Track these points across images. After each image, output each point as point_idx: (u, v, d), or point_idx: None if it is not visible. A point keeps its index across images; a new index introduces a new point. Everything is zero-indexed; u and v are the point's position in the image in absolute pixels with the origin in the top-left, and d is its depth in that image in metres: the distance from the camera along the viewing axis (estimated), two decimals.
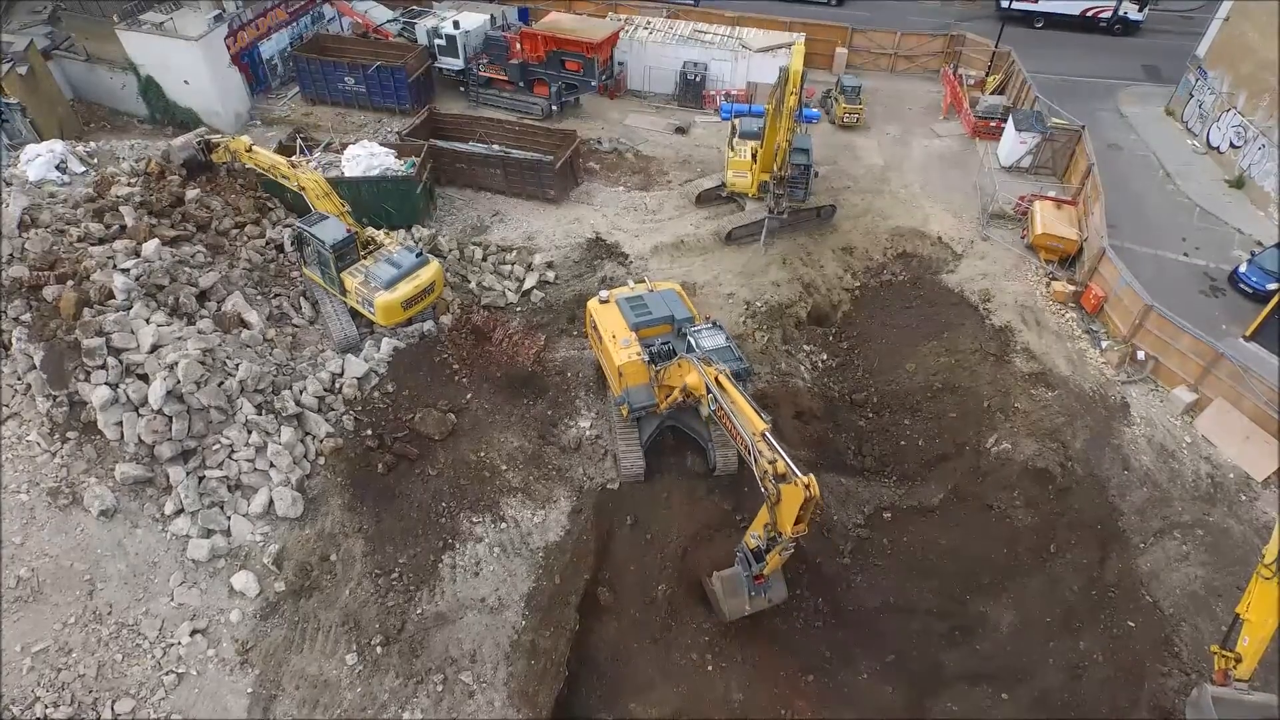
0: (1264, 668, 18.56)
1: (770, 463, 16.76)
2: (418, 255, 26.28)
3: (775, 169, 29.51)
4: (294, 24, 42.52)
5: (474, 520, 22.68)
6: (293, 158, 32.59)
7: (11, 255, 24.11)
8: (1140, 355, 27.71)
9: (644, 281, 26.90)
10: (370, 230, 27.88)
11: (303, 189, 26.30)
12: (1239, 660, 16.79)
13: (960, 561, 23.49)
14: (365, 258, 26.43)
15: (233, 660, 19.46)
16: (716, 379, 19.00)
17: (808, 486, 16.11)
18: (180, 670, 19.05)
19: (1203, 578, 22.56)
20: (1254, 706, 16.70)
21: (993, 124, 38.84)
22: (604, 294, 25.11)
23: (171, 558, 20.54)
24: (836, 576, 23.27)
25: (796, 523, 16.78)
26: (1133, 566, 22.96)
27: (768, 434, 17.45)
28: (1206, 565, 22.80)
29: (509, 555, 22.22)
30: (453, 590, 21.34)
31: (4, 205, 25.70)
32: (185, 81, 38.38)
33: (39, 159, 30.20)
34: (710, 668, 21.08)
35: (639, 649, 21.59)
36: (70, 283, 23.46)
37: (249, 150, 27.40)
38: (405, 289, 25.43)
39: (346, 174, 31.39)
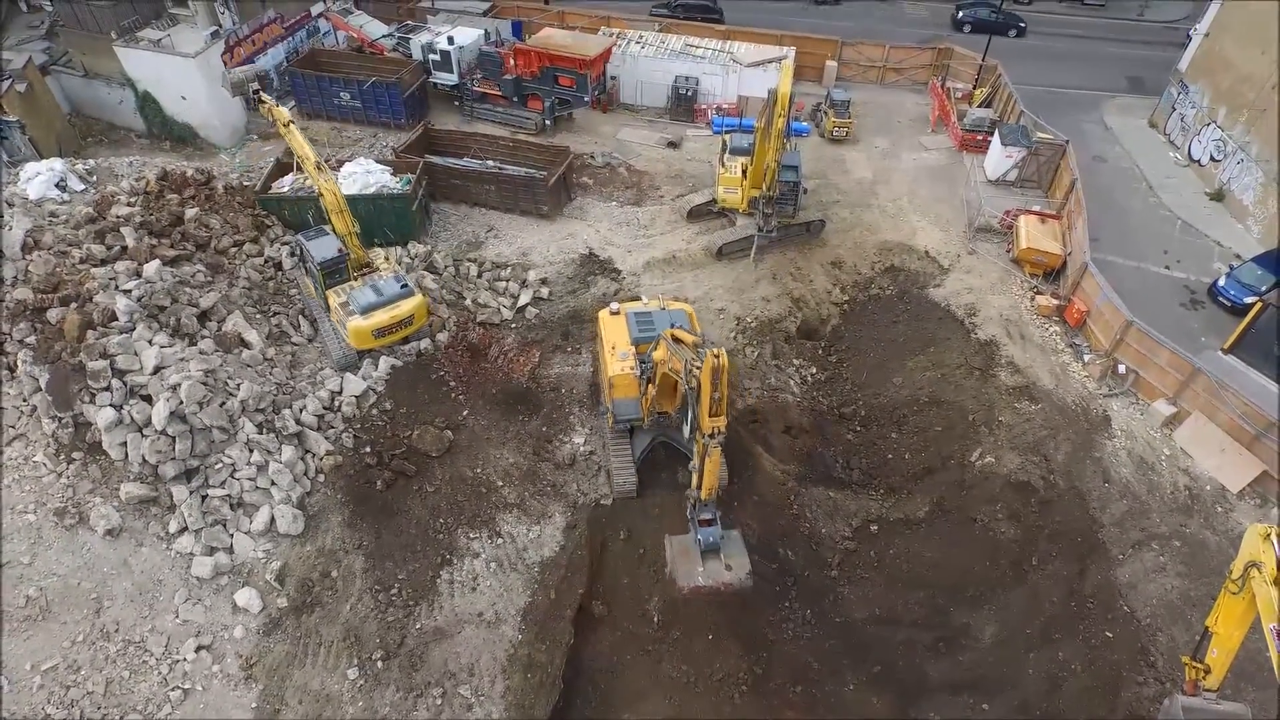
0: (1237, 677, 19.32)
1: (698, 366, 18.12)
2: (403, 286, 26.50)
3: (764, 189, 30.12)
4: (289, 38, 42.93)
5: (471, 536, 23.25)
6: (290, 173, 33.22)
7: (16, 278, 24.63)
8: (1121, 369, 28.41)
9: (658, 299, 27.27)
10: (377, 251, 28.27)
11: (321, 195, 26.47)
12: (1208, 671, 17.41)
13: (944, 573, 24.11)
14: (356, 279, 26.88)
15: (237, 675, 19.98)
16: (672, 335, 20.06)
17: (716, 356, 17.69)
18: (186, 686, 19.56)
19: (1179, 588, 23.25)
20: (1222, 715, 17.36)
21: (980, 137, 39.52)
22: (615, 306, 25.73)
23: (176, 575, 21.05)
24: (824, 588, 23.88)
25: (713, 415, 18.32)
26: (1111, 577, 23.62)
27: (697, 344, 19.12)
28: (1183, 576, 23.49)
29: (505, 570, 22.79)
30: (451, 605, 21.89)
31: (7, 227, 26.17)
32: (182, 97, 38.81)
33: (39, 177, 30.70)
34: (701, 679, 21.63)
35: (632, 661, 22.16)
36: (74, 305, 23.96)
37: (287, 125, 26.72)
38: (380, 317, 25.76)
39: (343, 191, 31.76)
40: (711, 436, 18.72)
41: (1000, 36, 48.28)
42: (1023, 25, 52.35)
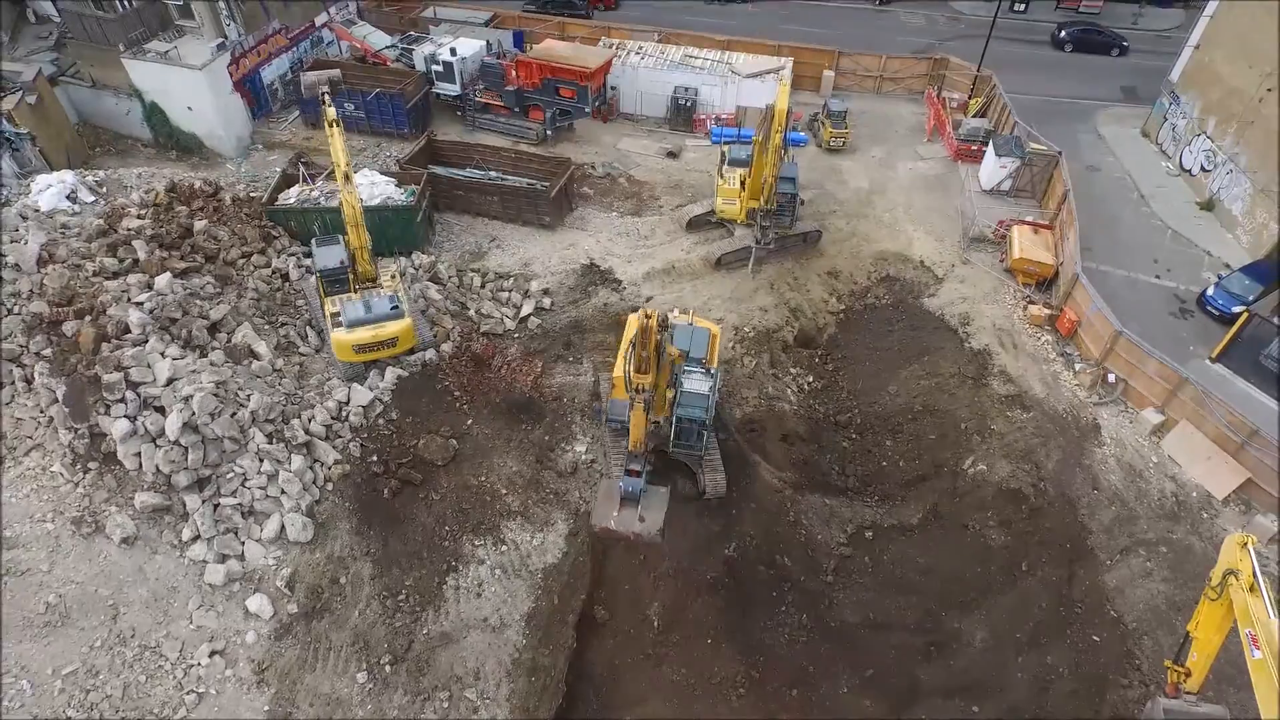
0: (1218, 679, 19.96)
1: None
2: (393, 307, 26.58)
3: (762, 203, 30.73)
4: (294, 49, 43.50)
5: (476, 543, 23.88)
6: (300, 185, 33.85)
7: (31, 291, 25.23)
8: (1111, 378, 29.03)
9: (689, 313, 27.67)
10: (389, 265, 28.73)
11: (340, 205, 26.75)
12: (1189, 674, 18.09)
13: (937, 579, 24.79)
14: (356, 291, 27.20)
15: (249, 680, 20.60)
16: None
17: (648, 316, 19.71)
18: (200, 690, 20.19)
19: (1165, 593, 23.90)
20: (1201, 717, 18.01)
21: (974, 147, 40.07)
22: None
23: (190, 582, 21.68)
24: (820, 594, 24.54)
25: (639, 373, 20.54)
26: (1099, 583, 24.29)
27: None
28: (1169, 581, 24.13)
29: (509, 576, 23.42)
30: (457, 611, 22.53)
31: (23, 241, 26.77)
32: (189, 107, 39.35)
33: (50, 189, 31.26)
34: (699, 682, 22.28)
35: (632, 665, 22.86)
36: (88, 318, 24.58)
37: (332, 125, 25.90)
38: (362, 334, 26.02)
39: None
40: (638, 391, 20.73)
41: (1102, 56, 48.50)
42: (1125, 45, 50.98)
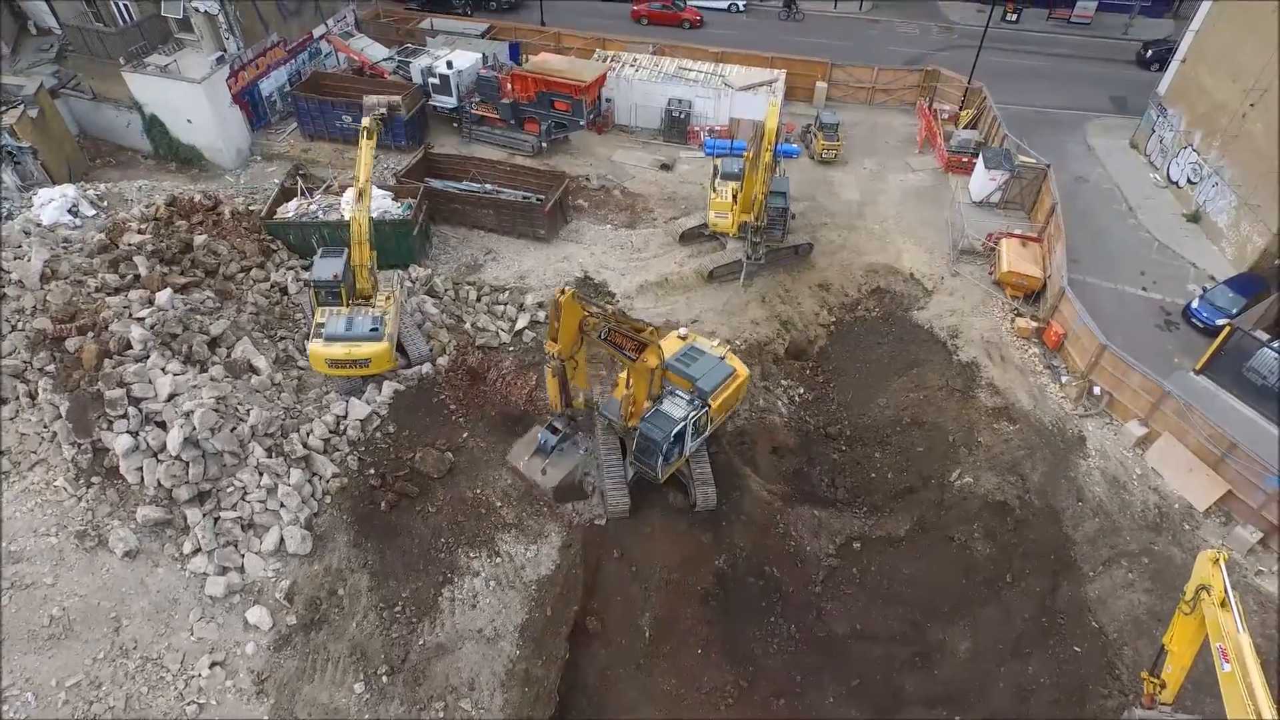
0: (1196, 689, 20.48)
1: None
2: (372, 329, 26.81)
3: (752, 219, 31.20)
4: (292, 60, 43.98)
5: (471, 555, 24.35)
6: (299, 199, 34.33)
7: (35, 307, 25.70)
8: (1096, 390, 29.51)
9: (725, 346, 28.03)
10: (386, 281, 29.02)
11: (347, 221, 27.16)
12: (1164, 686, 18.64)
13: (923, 590, 25.27)
14: (346, 305, 27.37)
15: (249, 690, 21.07)
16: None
17: (562, 292, 21.37)
18: (201, 700, 20.65)
19: (1146, 604, 24.37)
20: None
21: (965, 159, 40.55)
22: (683, 330, 27.97)
23: (191, 594, 22.14)
24: (808, 604, 25.01)
25: (551, 340, 22.63)
26: (1082, 594, 24.76)
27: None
28: (1150, 592, 24.61)
29: (504, 588, 23.89)
30: (452, 622, 23.00)
31: (27, 258, 27.22)
32: (189, 120, 39.80)
33: (52, 203, 31.73)
34: (689, 691, 22.75)
35: (624, 674, 23.32)
36: (90, 334, 25.05)
37: (365, 134, 27.37)
38: (337, 350, 26.31)
39: (346, 216, 32.80)
40: (552, 358, 22.97)
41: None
42: None
